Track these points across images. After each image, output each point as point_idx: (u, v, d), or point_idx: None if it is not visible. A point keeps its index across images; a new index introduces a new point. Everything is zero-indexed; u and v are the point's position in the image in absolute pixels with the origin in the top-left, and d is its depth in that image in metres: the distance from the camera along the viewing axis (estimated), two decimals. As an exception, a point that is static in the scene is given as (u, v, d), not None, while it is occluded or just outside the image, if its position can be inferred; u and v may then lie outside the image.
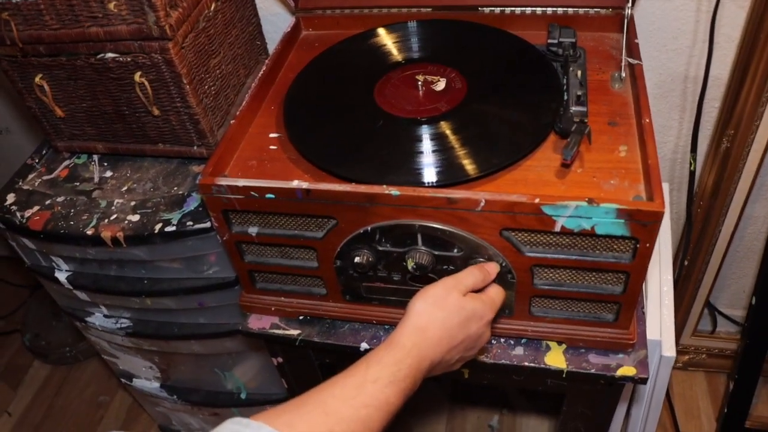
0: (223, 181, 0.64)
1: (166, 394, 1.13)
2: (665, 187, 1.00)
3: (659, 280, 0.87)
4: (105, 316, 0.97)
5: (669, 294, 0.85)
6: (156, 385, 1.13)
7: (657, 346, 0.80)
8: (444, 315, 0.56)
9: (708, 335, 1.23)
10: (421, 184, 0.60)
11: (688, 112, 0.96)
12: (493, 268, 0.62)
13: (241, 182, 0.63)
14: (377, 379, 0.50)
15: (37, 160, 0.92)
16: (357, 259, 0.66)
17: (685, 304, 1.13)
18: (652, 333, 0.81)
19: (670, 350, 0.79)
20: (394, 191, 0.59)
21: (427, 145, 0.66)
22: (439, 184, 0.61)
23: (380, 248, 0.65)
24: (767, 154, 0.90)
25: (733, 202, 0.96)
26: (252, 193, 0.63)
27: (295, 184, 0.62)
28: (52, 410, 1.48)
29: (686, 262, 1.07)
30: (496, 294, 0.62)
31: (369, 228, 0.63)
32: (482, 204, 0.58)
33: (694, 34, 0.86)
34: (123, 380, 1.17)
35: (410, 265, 0.65)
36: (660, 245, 0.92)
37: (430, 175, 0.62)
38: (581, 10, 0.81)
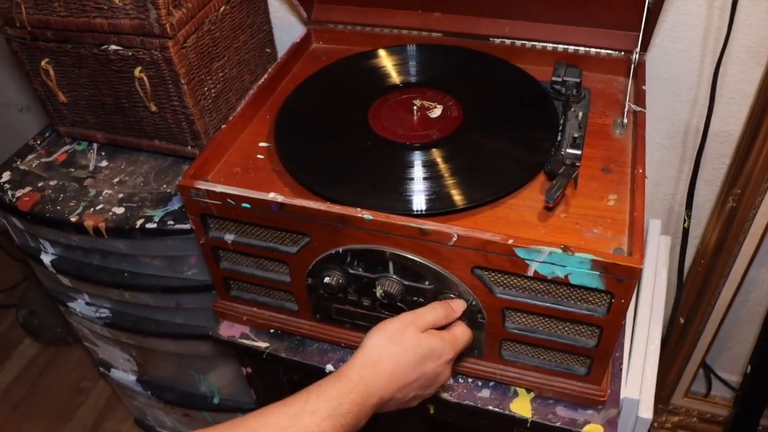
0: (202, 185, 0.63)
1: (141, 388, 1.12)
2: (666, 240, 0.96)
3: (647, 338, 0.84)
4: (87, 303, 0.97)
5: (655, 353, 0.81)
6: (132, 378, 1.13)
7: (634, 405, 0.76)
8: (398, 351, 0.54)
9: (701, 398, 1.18)
10: (396, 211, 0.58)
11: (700, 165, 0.93)
12: (458, 306, 0.60)
13: (219, 188, 0.63)
14: (315, 411, 0.48)
15: (39, 142, 0.93)
16: (327, 280, 0.65)
17: (678, 363, 1.09)
18: (631, 392, 0.77)
19: (647, 411, 0.75)
20: (366, 215, 0.58)
21: (411, 171, 0.64)
22: (415, 214, 0.59)
23: (351, 271, 0.64)
24: (776, 218, 0.86)
25: (736, 263, 0.92)
26: (228, 200, 0.63)
27: (271, 196, 0.61)
28: (35, 389, 1.49)
29: (682, 320, 1.03)
30: (460, 333, 0.59)
31: (341, 249, 0.62)
32: (454, 239, 0.56)
33: (708, 86, 0.84)
34: (102, 369, 1.17)
35: (379, 292, 0.63)
36: (653, 301, 0.89)
37: (407, 202, 0.61)
38: (592, 51, 0.79)
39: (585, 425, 0.66)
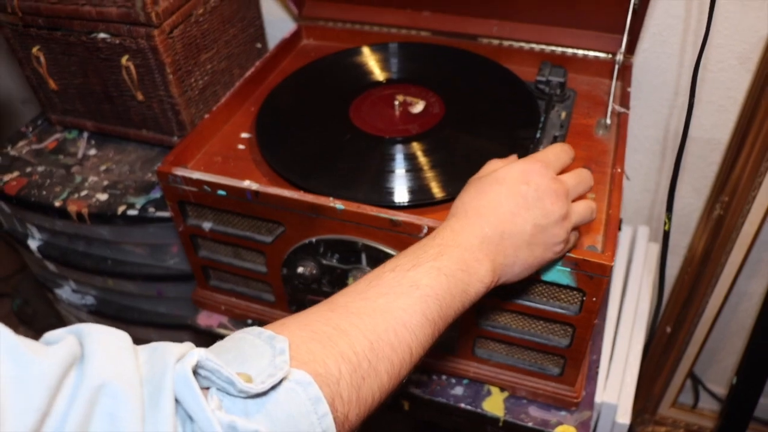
0: (180, 172, 0.64)
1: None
2: (655, 248, 0.96)
3: (629, 344, 0.83)
4: (73, 290, 0.98)
5: (636, 359, 0.81)
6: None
7: (612, 410, 0.75)
8: (479, 185, 0.48)
9: (689, 409, 1.16)
10: (371, 203, 0.58)
11: (687, 173, 0.93)
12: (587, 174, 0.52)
13: (196, 175, 0.63)
14: (395, 267, 0.42)
15: (30, 129, 0.94)
16: (300, 270, 0.64)
17: (665, 373, 1.08)
18: (609, 396, 0.76)
19: (624, 417, 0.75)
20: (338, 205, 0.58)
21: (389, 164, 0.64)
22: (389, 205, 0.59)
23: (324, 262, 0.64)
24: (763, 227, 0.85)
25: (724, 273, 0.91)
26: (205, 187, 0.63)
27: (246, 184, 0.61)
28: (26, 379, 1.49)
29: (669, 329, 1.02)
30: (580, 203, 0.50)
31: (314, 239, 0.62)
32: (425, 231, 0.56)
33: (696, 93, 0.83)
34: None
35: (351, 283, 0.63)
36: (637, 308, 0.88)
37: (381, 194, 0.61)
38: (580, 53, 0.79)
39: (557, 426, 0.65)
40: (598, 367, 0.72)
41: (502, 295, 0.59)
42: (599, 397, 0.76)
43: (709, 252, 0.90)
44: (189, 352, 0.32)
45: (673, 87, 0.85)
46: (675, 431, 1.16)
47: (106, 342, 0.31)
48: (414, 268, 0.42)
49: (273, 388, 0.33)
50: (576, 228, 0.52)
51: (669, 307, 1.04)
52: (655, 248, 0.95)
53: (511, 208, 0.46)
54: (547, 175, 0.48)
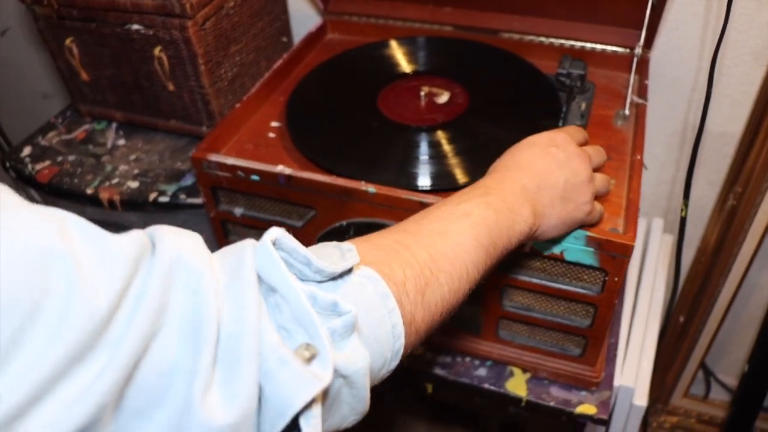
0: (214, 158, 0.66)
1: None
2: (669, 239, 0.98)
3: (644, 330, 0.85)
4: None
5: (652, 344, 0.83)
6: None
7: (629, 393, 0.78)
8: (512, 150, 0.53)
9: (701, 400, 1.18)
10: (396, 187, 0.61)
11: (702, 165, 0.95)
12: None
13: (230, 160, 0.65)
14: (445, 203, 0.46)
15: (60, 120, 0.97)
16: (330, 253, 0.67)
17: (678, 363, 1.10)
18: (626, 380, 0.78)
19: (641, 399, 0.77)
20: (370, 188, 0.60)
21: (416, 151, 0.67)
22: (417, 189, 0.61)
23: (354, 245, 0.66)
24: (776, 218, 0.87)
25: (736, 263, 0.93)
26: (239, 172, 0.65)
27: (279, 169, 0.64)
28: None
29: (682, 319, 1.04)
30: (598, 174, 0.56)
31: (345, 223, 0.64)
32: (454, 213, 0.58)
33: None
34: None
35: (380, 265, 0.65)
36: (652, 296, 0.90)
37: (410, 178, 0.63)
38: (599, 47, 0.81)
39: (578, 405, 0.67)
40: (616, 349, 0.74)
41: (527, 272, 0.61)
42: (617, 381, 0.78)
43: (722, 243, 0.92)
44: (267, 231, 0.33)
45: (690, 81, 0.87)
46: (687, 420, 1.18)
47: (176, 230, 0.32)
48: (463, 203, 0.46)
49: (342, 277, 0.35)
50: (598, 198, 0.56)
51: (682, 298, 1.06)
52: (670, 239, 0.97)
53: (545, 166, 0.51)
54: (572, 142, 0.54)
